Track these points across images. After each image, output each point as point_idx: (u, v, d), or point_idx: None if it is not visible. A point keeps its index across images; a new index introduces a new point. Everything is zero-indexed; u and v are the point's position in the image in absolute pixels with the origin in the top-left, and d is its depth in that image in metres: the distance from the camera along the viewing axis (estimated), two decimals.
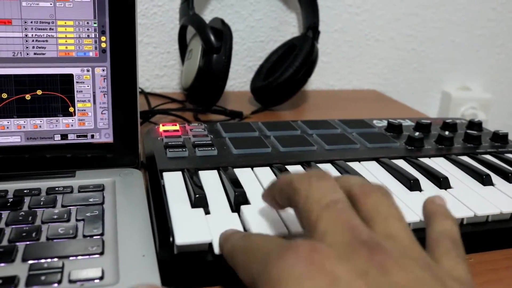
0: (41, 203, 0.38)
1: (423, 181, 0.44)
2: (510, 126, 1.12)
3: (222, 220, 0.35)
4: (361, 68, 0.98)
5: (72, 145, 0.44)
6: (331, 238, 0.24)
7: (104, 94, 0.44)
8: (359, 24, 0.95)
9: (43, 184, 0.41)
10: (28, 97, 0.42)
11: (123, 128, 0.45)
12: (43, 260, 0.31)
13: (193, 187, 0.38)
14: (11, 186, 0.40)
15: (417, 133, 0.53)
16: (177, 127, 0.52)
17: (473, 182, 0.45)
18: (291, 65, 0.72)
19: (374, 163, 0.48)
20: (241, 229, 0.34)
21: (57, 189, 0.40)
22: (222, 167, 0.43)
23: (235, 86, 0.90)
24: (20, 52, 0.41)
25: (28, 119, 0.42)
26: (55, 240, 0.33)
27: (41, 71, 0.42)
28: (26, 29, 0.41)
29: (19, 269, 0.30)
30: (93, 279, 0.30)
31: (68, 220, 0.36)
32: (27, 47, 0.41)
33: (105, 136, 0.44)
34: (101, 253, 0.32)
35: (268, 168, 0.44)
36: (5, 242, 0.33)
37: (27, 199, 0.38)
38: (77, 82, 0.43)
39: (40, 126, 0.43)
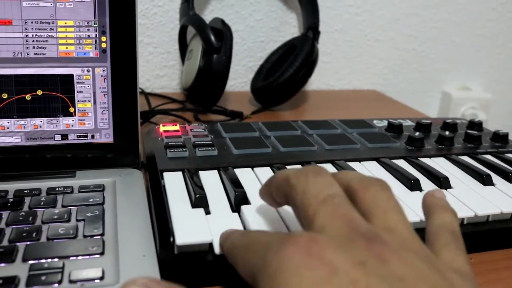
0: (42, 203, 0.38)
1: (424, 181, 0.44)
2: (510, 126, 1.12)
3: (223, 220, 0.35)
4: (361, 68, 0.98)
5: (72, 145, 0.44)
6: (329, 232, 0.24)
7: (104, 94, 0.44)
8: (359, 24, 0.95)
9: (44, 184, 0.41)
10: (28, 97, 0.42)
11: (123, 128, 0.45)
12: (43, 260, 0.31)
13: (193, 187, 0.38)
14: (11, 186, 0.40)
15: (417, 133, 0.53)
16: (177, 127, 0.52)
17: (473, 182, 0.45)
18: (291, 65, 0.72)
19: (374, 163, 0.48)
20: (242, 229, 0.34)
21: (57, 189, 0.40)
22: (223, 167, 0.43)
23: (235, 86, 0.90)
24: (21, 52, 0.41)
25: (29, 119, 0.42)
26: (55, 240, 0.33)
27: (41, 71, 0.42)
28: (26, 29, 0.41)
29: (19, 269, 0.30)
30: (93, 279, 0.30)
31: (68, 220, 0.36)
32: (27, 47, 0.41)
33: (106, 136, 0.44)
34: (102, 253, 0.32)
35: (268, 168, 0.44)
36: (5, 242, 0.33)
37: (27, 199, 0.38)
38: (77, 82, 0.43)
39: (40, 126, 0.43)
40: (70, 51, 0.42)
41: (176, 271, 0.32)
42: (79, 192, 0.40)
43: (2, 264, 0.30)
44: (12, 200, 0.38)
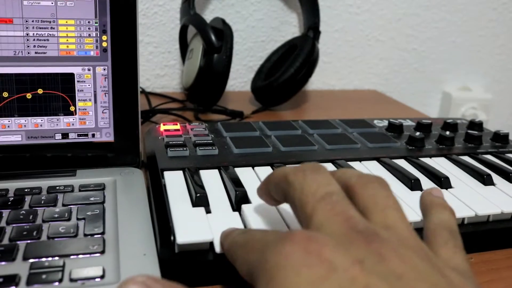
0: (42, 202, 0.38)
1: (424, 181, 0.44)
2: (510, 127, 1.12)
3: (223, 219, 0.35)
4: (361, 68, 0.98)
5: (73, 144, 0.44)
6: (327, 229, 0.24)
7: (105, 93, 0.44)
8: (360, 24, 0.95)
9: (44, 183, 0.41)
10: (29, 96, 0.42)
11: (124, 127, 0.45)
12: (44, 259, 0.31)
13: (194, 186, 0.38)
14: (12, 185, 0.40)
15: (418, 133, 0.53)
16: (178, 127, 0.52)
17: (474, 182, 0.45)
18: (291, 65, 0.72)
19: (375, 162, 0.48)
20: (242, 228, 0.34)
21: (57, 188, 0.40)
22: (223, 166, 0.43)
23: (235, 86, 0.90)
24: (21, 51, 0.41)
25: (29, 118, 0.42)
26: (56, 239, 0.33)
27: (42, 70, 0.42)
28: (27, 28, 0.41)
29: (20, 268, 0.30)
30: (94, 278, 0.30)
31: (69, 219, 0.36)
32: (28, 46, 0.41)
33: (106, 135, 0.44)
34: (102, 252, 0.32)
35: (269, 168, 0.44)
36: (6, 241, 0.33)
37: (28, 198, 0.38)
38: (78, 81, 0.43)
39: (41, 125, 0.43)
40: (71, 50, 0.42)
41: (177, 270, 0.32)
42: (80, 191, 0.40)
43: (3, 263, 0.30)
44: (12, 198, 0.38)
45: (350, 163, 0.46)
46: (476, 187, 0.44)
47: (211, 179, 0.41)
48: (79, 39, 0.42)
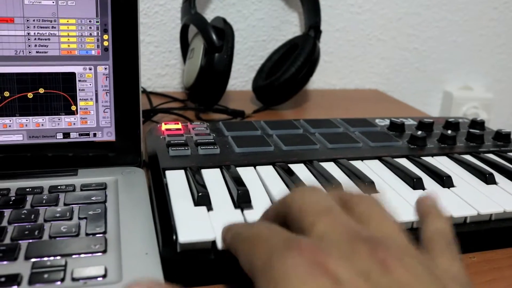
0: (44, 202, 0.38)
1: (426, 179, 0.44)
2: None
3: (225, 218, 0.35)
4: (362, 67, 0.98)
5: (74, 143, 0.44)
6: (330, 238, 0.24)
7: (106, 92, 0.43)
8: (361, 23, 0.94)
9: (46, 183, 0.41)
10: (30, 95, 0.42)
11: (125, 126, 0.44)
12: (45, 258, 0.31)
13: (195, 185, 0.38)
14: (13, 185, 0.40)
15: (419, 132, 0.53)
16: (179, 126, 0.52)
17: (476, 181, 0.45)
18: (293, 65, 0.72)
19: (377, 161, 0.48)
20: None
21: (59, 187, 0.40)
22: (225, 166, 0.43)
23: (236, 85, 0.90)
24: (22, 51, 0.41)
25: (30, 117, 0.42)
26: (57, 238, 0.33)
27: (43, 69, 0.42)
28: (28, 27, 0.41)
29: (22, 267, 0.30)
30: (96, 277, 0.29)
31: (70, 218, 0.36)
32: (29, 46, 0.41)
33: (107, 134, 0.44)
34: (104, 251, 0.32)
35: (271, 167, 0.44)
36: (7, 240, 0.33)
37: (29, 198, 0.38)
38: (79, 81, 0.43)
39: (42, 125, 0.43)
40: (72, 49, 0.42)
41: (179, 269, 0.32)
42: (81, 190, 0.40)
43: (5, 262, 0.30)
44: (14, 198, 0.38)
45: (352, 162, 0.46)
46: (478, 186, 0.44)
47: (212, 178, 0.41)
48: (80, 38, 0.42)
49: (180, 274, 0.32)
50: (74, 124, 0.43)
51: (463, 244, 0.37)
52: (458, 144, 0.53)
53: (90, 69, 0.43)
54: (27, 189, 0.39)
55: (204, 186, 0.38)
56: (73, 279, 0.29)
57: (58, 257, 0.31)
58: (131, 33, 0.43)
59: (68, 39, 0.42)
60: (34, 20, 0.41)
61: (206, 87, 0.66)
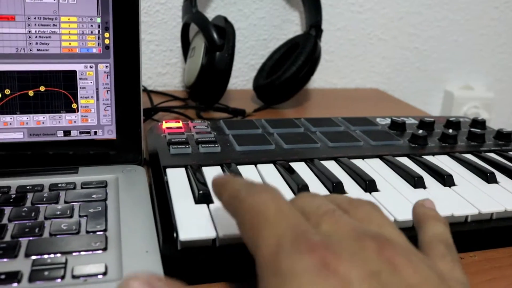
0: (44, 199, 0.38)
1: (427, 178, 0.44)
2: None
3: (226, 215, 0.34)
4: (363, 66, 0.98)
5: (75, 141, 0.44)
6: (337, 236, 0.24)
7: (107, 90, 0.43)
8: (362, 22, 0.94)
9: (46, 180, 0.41)
10: (31, 93, 0.42)
11: (126, 124, 0.44)
12: (46, 256, 0.31)
13: (196, 183, 0.38)
14: (14, 182, 0.40)
15: (420, 131, 0.53)
16: (180, 124, 0.52)
17: (477, 180, 0.45)
18: (293, 64, 0.72)
19: (378, 160, 0.47)
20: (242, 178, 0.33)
21: (60, 185, 0.40)
22: (226, 164, 0.43)
23: (237, 84, 0.90)
24: (23, 48, 0.41)
25: (31, 115, 0.42)
26: (58, 236, 0.33)
27: (44, 67, 0.41)
28: (29, 25, 0.40)
29: (22, 264, 0.30)
30: (96, 275, 0.29)
31: (71, 216, 0.36)
32: (30, 43, 0.41)
33: (108, 132, 0.44)
34: (104, 249, 0.32)
35: (271, 165, 0.44)
36: (8, 238, 0.33)
37: (30, 195, 0.38)
38: (80, 79, 0.43)
39: (43, 123, 0.43)
40: (73, 47, 0.42)
41: (179, 266, 0.32)
42: (82, 188, 0.40)
43: (5, 260, 0.30)
44: (14, 196, 0.38)
45: (353, 160, 0.46)
46: (480, 185, 0.43)
47: (213, 176, 0.41)
48: (81, 36, 0.42)
49: (181, 271, 0.32)
50: (74, 122, 0.43)
51: (464, 243, 0.37)
52: (459, 143, 0.53)
53: (91, 67, 0.43)
54: (28, 187, 0.39)
55: (205, 184, 0.38)
56: (74, 277, 0.29)
57: (59, 255, 0.31)
58: (132, 31, 0.43)
59: (69, 37, 0.42)
60: (35, 18, 0.41)
61: (207, 85, 0.66)
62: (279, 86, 0.72)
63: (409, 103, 0.91)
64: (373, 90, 0.98)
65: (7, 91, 0.41)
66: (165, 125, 0.51)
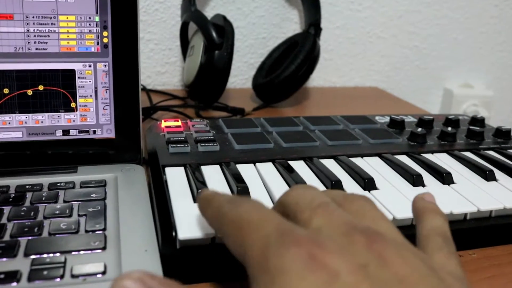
0: (43, 199, 0.37)
1: (426, 176, 0.44)
2: None
3: None
4: (363, 65, 0.98)
5: (74, 140, 0.44)
6: (327, 231, 0.24)
7: (106, 89, 0.43)
8: (361, 21, 0.94)
9: (45, 180, 0.40)
10: (29, 92, 0.42)
11: (125, 123, 0.44)
12: (45, 255, 0.31)
13: (195, 182, 0.38)
14: (13, 182, 0.40)
15: (419, 129, 0.53)
16: (179, 123, 0.52)
17: (476, 178, 0.45)
18: (293, 62, 0.72)
19: (376, 158, 0.47)
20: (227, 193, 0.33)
21: (59, 184, 0.40)
22: (225, 163, 0.43)
23: (236, 83, 0.90)
24: (22, 47, 0.41)
25: (30, 114, 0.42)
26: (57, 235, 0.33)
27: (42, 66, 0.41)
28: (27, 24, 0.40)
29: (21, 264, 0.30)
30: (95, 274, 0.29)
31: (70, 216, 0.36)
32: (28, 42, 0.41)
33: (107, 131, 0.44)
34: (104, 248, 0.32)
35: (270, 164, 0.44)
36: (7, 237, 0.33)
37: (29, 195, 0.38)
38: (79, 78, 0.43)
39: (41, 122, 0.43)
40: (71, 46, 0.42)
41: (178, 266, 0.32)
42: (81, 187, 0.40)
43: (4, 259, 0.30)
44: (13, 195, 0.38)
45: (352, 159, 0.46)
46: (478, 182, 0.43)
47: (212, 175, 0.41)
48: (80, 35, 0.42)
49: (180, 271, 0.32)
50: (73, 121, 0.43)
51: (463, 240, 0.37)
52: (458, 141, 0.53)
53: (90, 66, 0.43)
54: (27, 186, 0.39)
55: (203, 183, 0.38)
56: (73, 276, 0.29)
57: (58, 254, 0.31)
58: (131, 30, 0.43)
59: (68, 36, 0.42)
60: (33, 17, 0.40)
61: (206, 84, 0.66)
62: (278, 85, 0.72)
63: (408, 101, 0.91)
64: (372, 89, 0.98)
65: (6, 91, 0.41)
66: (164, 124, 0.51)
